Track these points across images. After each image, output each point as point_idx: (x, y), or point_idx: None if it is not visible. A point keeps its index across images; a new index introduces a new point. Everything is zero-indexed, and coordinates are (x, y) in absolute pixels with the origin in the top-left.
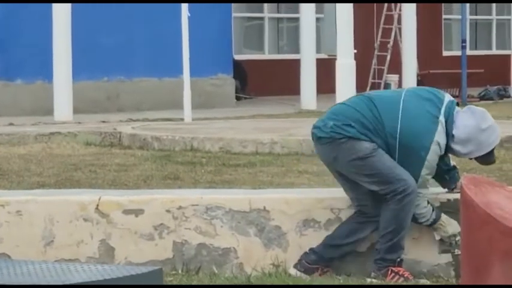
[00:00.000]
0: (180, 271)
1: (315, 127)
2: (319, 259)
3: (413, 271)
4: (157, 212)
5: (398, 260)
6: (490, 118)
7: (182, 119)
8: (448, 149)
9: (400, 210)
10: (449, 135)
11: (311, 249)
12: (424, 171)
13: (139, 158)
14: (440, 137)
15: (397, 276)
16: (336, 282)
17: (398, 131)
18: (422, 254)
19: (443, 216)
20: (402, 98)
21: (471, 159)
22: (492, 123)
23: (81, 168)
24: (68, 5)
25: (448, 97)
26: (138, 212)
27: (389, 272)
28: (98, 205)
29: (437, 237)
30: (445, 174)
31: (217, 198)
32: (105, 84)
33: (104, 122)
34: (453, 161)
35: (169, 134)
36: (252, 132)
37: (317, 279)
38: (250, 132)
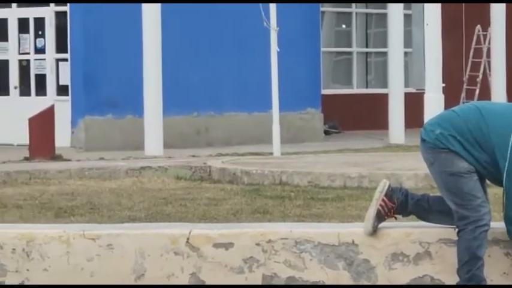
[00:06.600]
0: None
1: (424, 128)
2: (402, 205)
3: None
4: (247, 245)
5: None
6: None
7: (271, 153)
8: None
9: (472, 241)
10: None
11: (405, 192)
12: None
13: (229, 192)
14: None
15: None
16: None
17: (510, 149)
18: None
19: None
20: None
21: None
22: None
23: (171, 202)
24: (158, 40)
25: None
26: (228, 246)
27: None
28: (188, 238)
29: None
30: None
31: (306, 231)
32: (195, 119)
33: (194, 156)
34: None
35: (258, 168)
36: (340, 167)
37: None
38: (338, 166)
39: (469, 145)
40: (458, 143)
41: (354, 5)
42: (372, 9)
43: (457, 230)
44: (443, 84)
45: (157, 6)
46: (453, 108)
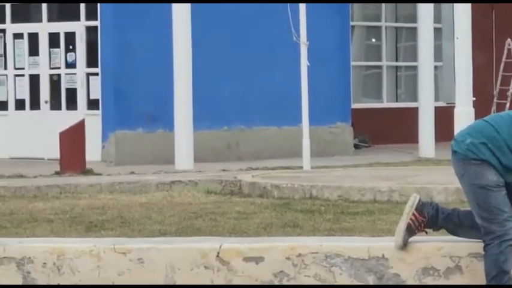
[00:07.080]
0: None
1: (454, 139)
2: (432, 219)
3: None
4: (277, 259)
5: None
6: None
7: (301, 167)
8: None
9: (498, 255)
10: None
11: (435, 206)
12: None
13: (259, 206)
14: None
15: None
16: None
17: None
18: None
19: None
20: None
21: None
22: None
23: (201, 216)
24: (189, 55)
25: None
26: (258, 260)
27: None
28: (218, 253)
29: None
30: None
31: (336, 245)
32: (225, 133)
33: (224, 170)
34: None
35: (288, 182)
36: (370, 181)
37: None
38: (368, 180)
39: (500, 153)
40: (489, 150)
41: (383, 19)
42: (402, 23)
43: (483, 244)
44: (474, 98)
45: (188, 20)
46: (484, 118)
